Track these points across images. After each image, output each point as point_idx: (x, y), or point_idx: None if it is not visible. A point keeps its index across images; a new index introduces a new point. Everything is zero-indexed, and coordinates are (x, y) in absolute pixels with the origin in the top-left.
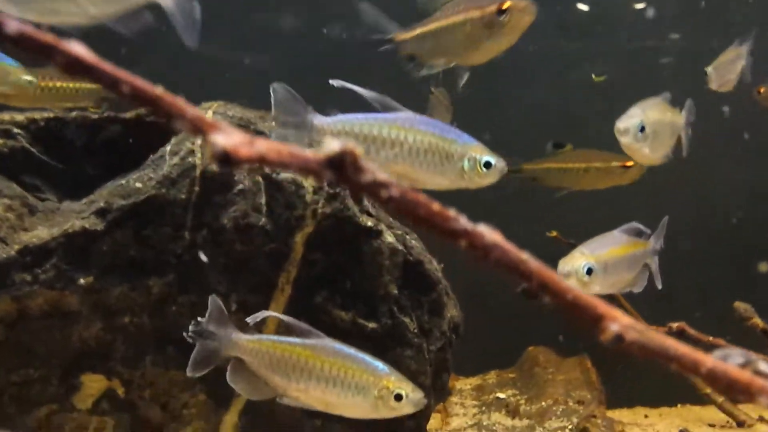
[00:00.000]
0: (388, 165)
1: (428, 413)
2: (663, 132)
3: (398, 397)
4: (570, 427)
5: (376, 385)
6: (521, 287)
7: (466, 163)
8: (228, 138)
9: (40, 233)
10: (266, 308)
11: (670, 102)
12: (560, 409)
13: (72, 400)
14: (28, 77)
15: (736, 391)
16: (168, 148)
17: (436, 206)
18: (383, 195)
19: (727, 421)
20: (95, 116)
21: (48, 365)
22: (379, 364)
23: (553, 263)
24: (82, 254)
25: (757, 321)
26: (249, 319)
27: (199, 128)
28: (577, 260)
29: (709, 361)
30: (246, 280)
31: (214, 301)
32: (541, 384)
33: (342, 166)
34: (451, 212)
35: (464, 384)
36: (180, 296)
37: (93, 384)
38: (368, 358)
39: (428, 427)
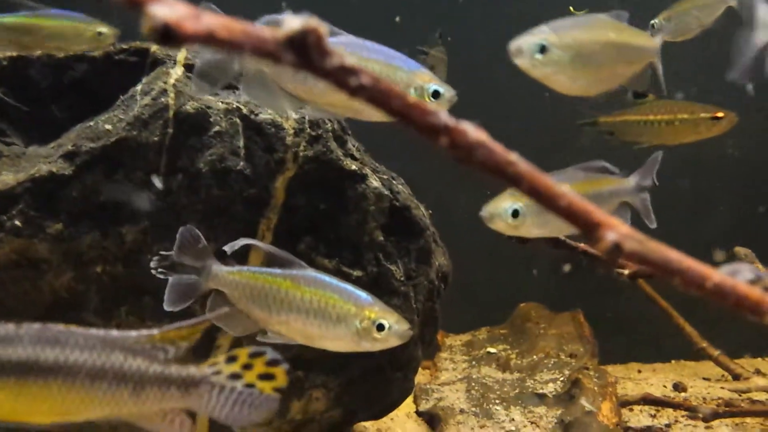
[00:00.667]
0: None
1: (415, 365)
2: (594, 56)
3: (381, 328)
4: (562, 378)
5: (357, 316)
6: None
7: (412, 92)
8: (170, 10)
9: (5, 178)
10: (246, 259)
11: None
12: (552, 362)
13: None
14: (102, 29)
15: (744, 309)
16: (139, 87)
17: (412, 98)
18: (352, 83)
19: (723, 375)
20: (61, 55)
21: (18, 317)
22: (362, 294)
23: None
24: (50, 200)
25: (759, 266)
26: (227, 247)
27: None
28: (501, 202)
29: (716, 275)
30: (224, 227)
31: (189, 230)
32: (532, 339)
33: (304, 48)
34: (430, 105)
35: (454, 340)
36: (155, 245)
37: None
38: (351, 287)
39: (417, 380)
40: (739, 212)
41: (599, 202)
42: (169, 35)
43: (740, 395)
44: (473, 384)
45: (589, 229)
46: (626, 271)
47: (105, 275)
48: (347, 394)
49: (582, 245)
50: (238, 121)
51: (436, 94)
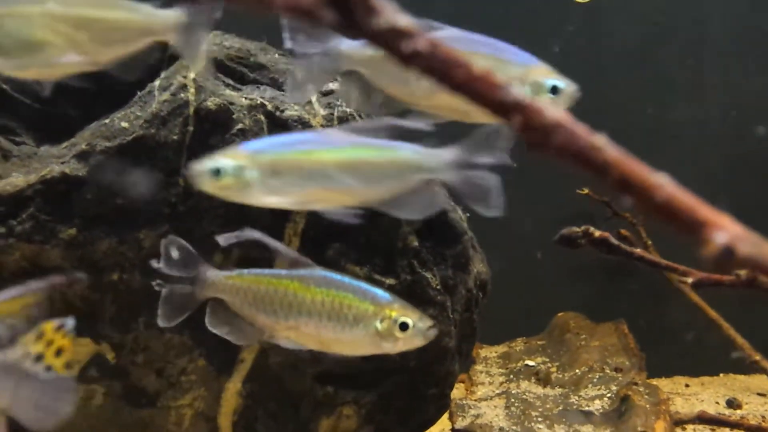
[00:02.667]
0: None
1: (452, 381)
2: None
3: (404, 327)
4: (609, 395)
5: (377, 315)
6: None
7: (527, 90)
8: None
9: (15, 180)
10: (270, 264)
11: None
12: (596, 377)
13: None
14: None
15: None
16: (157, 82)
17: (479, 69)
18: (405, 48)
19: None
20: None
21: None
22: (379, 291)
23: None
24: (63, 203)
25: None
26: (221, 239)
27: None
28: (218, 160)
29: None
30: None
31: (171, 240)
32: (573, 351)
33: (346, 4)
34: (500, 78)
35: (489, 352)
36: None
37: (79, 349)
38: (365, 285)
39: (452, 396)
40: None
41: (392, 178)
42: None
43: None
44: (512, 400)
45: (692, 228)
46: (690, 280)
47: (122, 283)
48: (380, 411)
49: (638, 251)
50: (262, 118)
51: (555, 90)
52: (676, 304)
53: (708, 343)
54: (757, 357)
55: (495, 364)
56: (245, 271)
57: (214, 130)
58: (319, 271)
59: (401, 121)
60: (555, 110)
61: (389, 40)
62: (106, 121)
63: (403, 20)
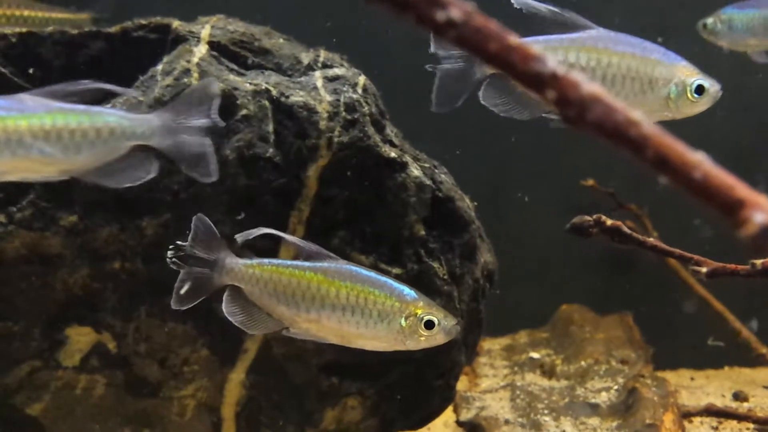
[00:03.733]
0: None
1: (458, 372)
2: None
3: (429, 325)
4: (616, 387)
5: (402, 312)
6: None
7: (673, 89)
8: None
9: None
10: (275, 253)
11: None
12: (602, 369)
13: (57, 357)
14: None
15: None
16: (159, 67)
17: (514, 40)
18: (439, 17)
19: None
20: (75, 32)
21: (29, 317)
22: (405, 288)
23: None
24: (63, 190)
25: None
26: (239, 236)
27: None
28: None
29: None
30: (252, 219)
31: (200, 219)
32: (578, 343)
33: None
34: (535, 49)
35: (492, 344)
36: (177, 238)
37: (80, 338)
38: (391, 281)
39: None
40: None
41: (96, 146)
42: None
43: None
44: (518, 392)
45: (730, 208)
46: (704, 269)
47: (123, 272)
48: (385, 402)
49: (651, 240)
50: (267, 104)
51: (699, 90)
52: (681, 297)
53: (714, 335)
54: (764, 350)
55: (499, 357)
56: (266, 260)
57: (218, 115)
58: (345, 265)
59: (104, 85)
60: (592, 84)
61: (422, 10)
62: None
63: None
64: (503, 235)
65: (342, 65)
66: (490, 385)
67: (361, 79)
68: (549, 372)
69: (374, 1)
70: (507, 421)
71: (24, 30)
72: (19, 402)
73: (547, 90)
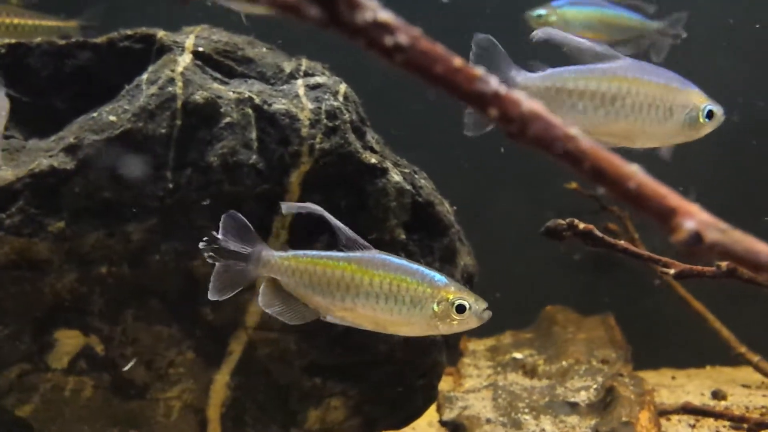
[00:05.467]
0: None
1: (440, 372)
2: None
3: (460, 309)
4: (595, 386)
5: (434, 297)
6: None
7: (686, 113)
8: None
9: (4, 174)
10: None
11: None
12: (583, 369)
13: (46, 359)
14: None
15: None
16: (145, 76)
17: (458, 62)
18: (387, 42)
19: (763, 382)
20: (62, 42)
21: (18, 321)
22: (436, 275)
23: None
24: (51, 196)
25: None
26: (284, 205)
27: None
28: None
29: None
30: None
31: (231, 216)
32: (560, 344)
33: (331, 1)
34: (478, 70)
35: (477, 345)
36: (163, 243)
37: (68, 341)
38: (423, 268)
39: (440, 388)
40: None
41: None
42: None
43: None
44: (500, 392)
45: (663, 215)
46: (672, 271)
47: (110, 276)
48: (367, 402)
49: (622, 242)
50: (250, 111)
51: (710, 114)
52: (663, 298)
53: (695, 335)
54: (743, 349)
55: (483, 357)
56: (300, 252)
57: (202, 123)
58: (376, 254)
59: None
60: (531, 102)
61: (372, 35)
62: (94, 114)
63: (385, 15)
64: (489, 237)
65: (323, 74)
66: (473, 385)
67: (342, 87)
68: (531, 372)
69: (329, 26)
70: (488, 420)
71: (13, 41)
72: (9, 404)
73: (490, 108)
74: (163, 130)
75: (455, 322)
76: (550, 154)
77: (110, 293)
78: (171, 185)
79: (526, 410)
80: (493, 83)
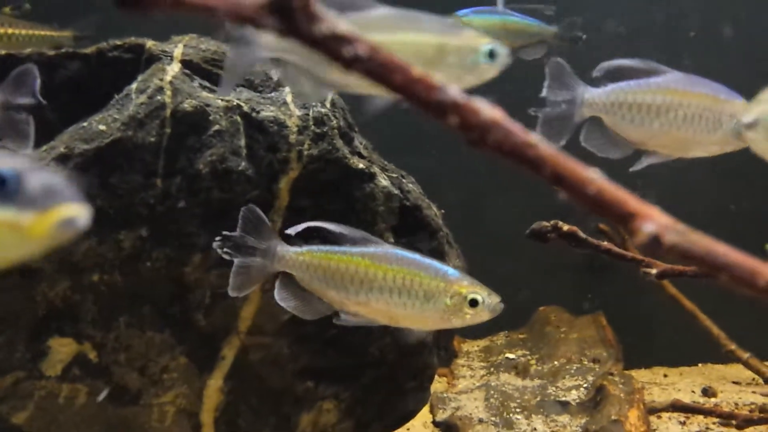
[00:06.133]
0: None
1: (431, 374)
2: None
3: (473, 303)
4: (585, 385)
5: (447, 292)
6: (529, 230)
7: (734, 124)
8: None
9: None
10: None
11: None
12: (574, 368)
13: (40, 367)
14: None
15: None
16: (134, 85)
17: (416, 72)
18: (346, 53)
19: (753, 379)
20: (52, 53)
21: (12, 329)
22: (449, 269)
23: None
24: None
25: None
26: (290, 231)
27: None
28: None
29: None
30: (227, 231)
31: (251, 210)
32: (552, 343)
33: (288, 12)
34: (437, 80)
35: (471, 346)
36: (154, 251)
37: (62, 348)
38: (435, 262)
39: (433, 389)
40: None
41: None
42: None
43: None
44: (492, 392)
45: (623, 219)
46: (654, 271)
47: (102, 284)
48: (360, 405)
49: (605, 243)
50: (238, 119)
51: (750, 124)
52: (655, 296)
53: (686, 333)
54: (733, 346)
55: (477, 358)
56: (315, 247)
57: (191, 131)
58: (389, 248)
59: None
60: (490, 110)
61: (330, 46)
62: (84, 124)
63: (344, 26)
64: (483, 239)
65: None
66: (466, 385)
67: (329, 94)
68: (523, 372)
69: (289, 36)
70: (481, 420)
71: (2, 52)
72: (5, 411)
73: (449, 116)
74: (153, 139)
75: (468, 316)
76: (511, 161)
77: (102, 301)
78: (161, 193)
79: (518, 410)
80: (452, 92)
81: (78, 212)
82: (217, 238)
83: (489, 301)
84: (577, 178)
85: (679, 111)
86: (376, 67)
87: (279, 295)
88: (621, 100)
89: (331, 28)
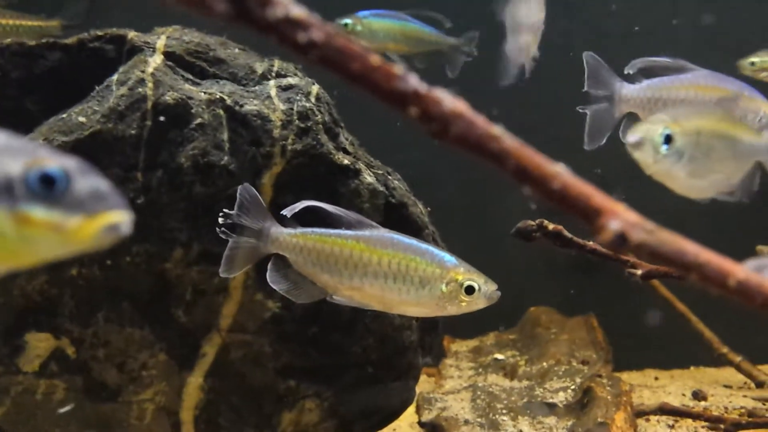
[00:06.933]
0: None
1: (416, 373)
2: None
3: (469, 290)
4: (573, 387)
5: (443, 278)
6: (514, 229)
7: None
8: None
9: None
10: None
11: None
12: (562, 370)
13: (17, 362)
14: None
15: None
16: (115, 77)
17: (375, 59)
18: (300, 39)
19: (745, 383)
20: (33, 43)
21: None
22: (446, 255)
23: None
24: None
25: None
26: (286, 211)
27: None
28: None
29: (741, 272)
30: (209, 226)
31: (246, 189)
32: (542, 344)
33: None
34: (398, 69)
35: (461, 346)
36: (134, 245)
37: (39, 344)
38: (432, 248)
39: (420, 389)
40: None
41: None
42: None
43: (764, 404)
44: (479, 393)
45: (588, 216)
46: (639, 271)
47: (80, 278)
48: (342, 404)
49: (591, 243)
50: (221, 112)
51: None
52: (648, 298)
53: (679, 336)
54: (725, 350)
55: (465, 358)
56: (309, 230)
57: (173, 124)
58: (385, 233)
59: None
60: (454, 101)
61: (284, 31)
62: (64, 115)
63: (298, 11)
64: (474, 238)
65: (296, 75)
66: (453, 386)
67: (315, 88)
68: (511, 373)
69: (240, 22)
70: (467, 422)
71: None
72: None
73: (410, 107)
74: (133, 131)
75: (464, 303)
76: (474, 154)
77: (81, 295)
78: (141, 186)
79: (504, 411)
80: (413, 81)
81: (123, 219)
82: (220, 215)
83: (486, 288)
84: (541, 172)
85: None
86: (333, 54)
87: (271, 278)
88: (657, 95)
89: (285, 12)
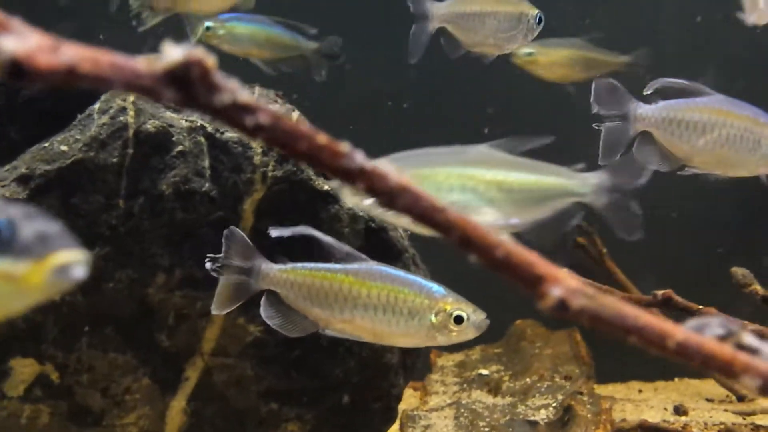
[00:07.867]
0: None
1: (397, 393)
2: None
3: (458, 320)
4: (554, 404)
5: (431, 308)
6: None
7: None
8: (22, 42)
9: None
10: (215, 283)
11: None
12: (545, 386)
13: (2, 387)
14: None
15: (714, 368)
16: (97, 105)
17: (322, 138)
18: (248, 123)
19: (727, 396)
20: None
21: None
22: (434, 286)
23: None
24: None
25: (757, 287)
26: (273, 231)
27: None
28: None
29: (680, 333)
30: (191, 252)
31: (232, 231)
32: (527, 359)
33: (187, 83)
34: (344, 146)
35: (446, 360)
36: (117, 271)
37: (24, 369)
38: (420, 279)
39: (405, 406)
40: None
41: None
42: (22, 71)
43: (744, 418)
44: (462, 410)
45: (531, 283)
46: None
47: (64, 305)
48: (324, 426)
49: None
50: (202, 139)
51: None
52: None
53: None
54: None
55: (451, 373)
56: (299, 264)
57: (154, 151)
58: (374, 265)
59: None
60: (399, 175)
61: (232, 116)
62: (46, 144)
63: (244, 96)
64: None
65: (276, 101)
66: (437, 402)
67: (295, 115)
68: (495, 389)
69: (189, 107)
70: None
71: None
72: None
73: (357, 182)
74: (115, 159)
75: (454, 333)
76: (420, 223)
77: (65, 321)
78: (123, 213)
79: (487, 429)
80: (358, 158)
81: (74, 258)
82: (207, 261)
83: (474, 318)
84: (485, 241)
85: (723, 130)
86: (281, 135)
87: (264, 313)
88: (672, 116)
89: (231, 98)
